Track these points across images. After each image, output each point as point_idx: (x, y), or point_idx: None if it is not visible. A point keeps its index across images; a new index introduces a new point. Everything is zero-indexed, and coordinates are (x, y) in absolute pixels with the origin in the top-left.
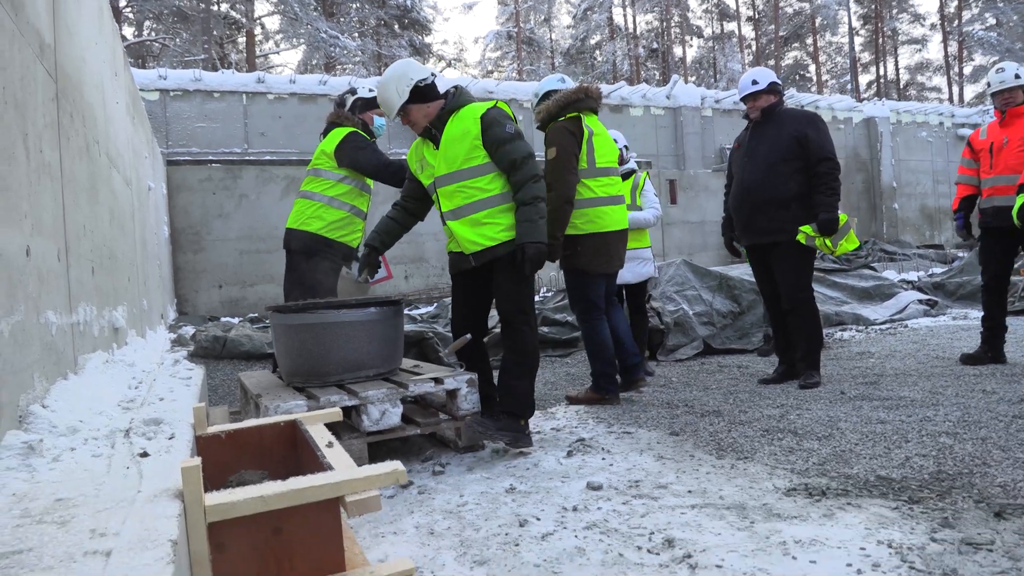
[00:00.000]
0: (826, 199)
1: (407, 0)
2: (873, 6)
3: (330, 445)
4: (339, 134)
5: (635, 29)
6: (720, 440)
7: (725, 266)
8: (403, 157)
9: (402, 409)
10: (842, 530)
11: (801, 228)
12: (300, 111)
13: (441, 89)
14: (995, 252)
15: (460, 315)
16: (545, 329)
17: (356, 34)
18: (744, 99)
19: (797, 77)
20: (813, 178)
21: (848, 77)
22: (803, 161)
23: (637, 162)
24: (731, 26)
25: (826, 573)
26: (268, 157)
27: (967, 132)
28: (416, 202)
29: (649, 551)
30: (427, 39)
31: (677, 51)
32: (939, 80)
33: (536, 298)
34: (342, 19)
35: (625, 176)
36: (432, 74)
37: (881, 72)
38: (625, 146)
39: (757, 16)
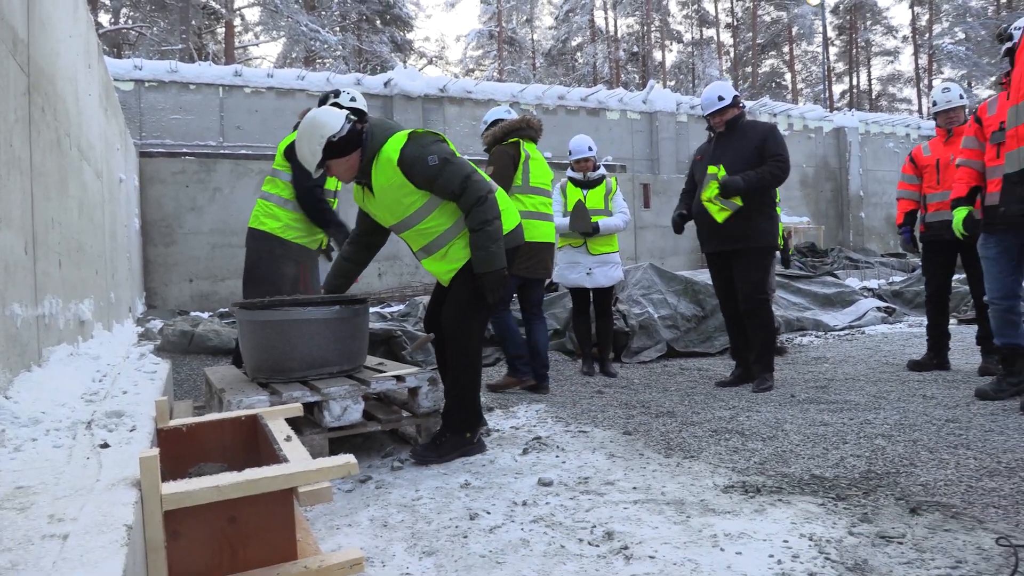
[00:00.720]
0: (752, 174)
1: None
2: (848, 17)
3: (288, 439)
4: (293, 137)
5: (616, 32)
6: (670, 440)
7: (692, 271)
8: (324, 199)
9: (364, 406)
10: (770, 524)
11: (719, 174)
12: (277, 105)
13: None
14: (937, 265)
15: (431, 313)
16: None
17: (337, 28)
18: (710, 115)
19: (773, 85)
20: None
21: (822, 86)
22: None
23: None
24: (710, 32)
25: (749, 563)
26: (243, 151)
27: None
28: (371, 236)
29: (590, 543)
30: (409, 35)
31: (657, 55)
32: (910, 92)
33: None
34: (323, 13)
35: (597, 182)
36: (348, 119)
37: (854, 82)
38: (589, 147)
39: (735, 23)
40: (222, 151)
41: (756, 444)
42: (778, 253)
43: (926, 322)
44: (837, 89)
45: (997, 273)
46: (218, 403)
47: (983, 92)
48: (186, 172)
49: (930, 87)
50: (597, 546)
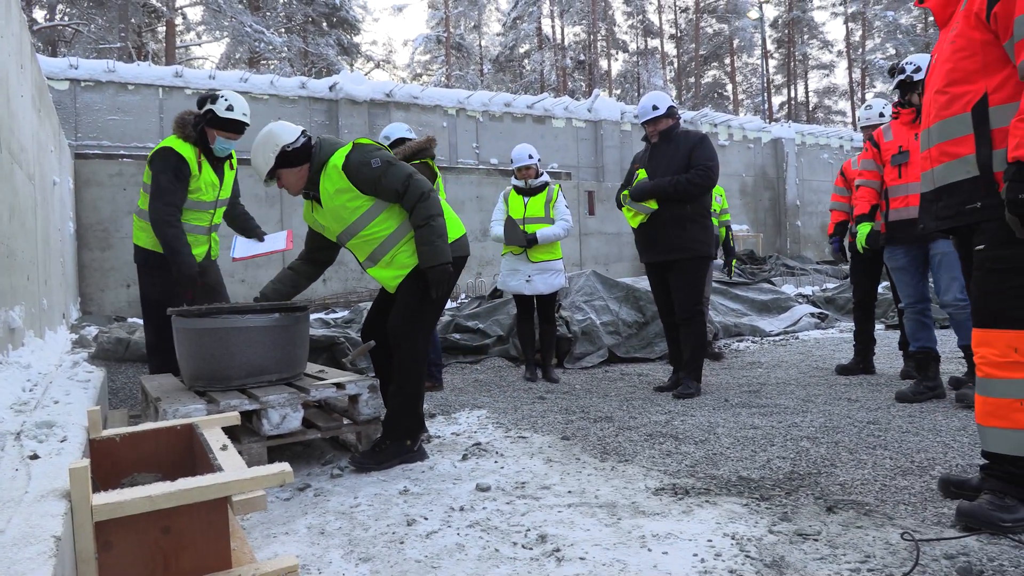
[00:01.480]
0: (673, 180)
1: None
2: (786, 31)
3: (224, 448)
4: (158, 146)
5: (563, 40)
6: (606, 444)
7: (635, 278)
8: (175, 221)
9: (303, 413)
10: (696, 525)
11: (639, 173)
12: None
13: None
14: (863, 273)
15: (371, 320)
16: (456, 336)
17: (283, 30)
18: (645, 123)
19: (715, 95)
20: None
21: (762, 97)
22: None
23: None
24: (655, 43)
25: (674, 562)
26: None
27: None
28: (320, 252)
29: (523, 546)
30: (356, 39)
31: (603, 64)
32: (844, 104)
33: (452, 305)
34: (268, 14)
35: (539, 189)
36: (303, 133)
37: (792, 94)
38: (530, 155)
39: (679, 34)
40: None
41: (688, 447)
42: (720, 262)
43: (854, 328)
44: (776, 100)
45: (908, 280)
46: (154, 412)
47: None
48: (124, 175)
49: (863, 100)
50: (530, 549)
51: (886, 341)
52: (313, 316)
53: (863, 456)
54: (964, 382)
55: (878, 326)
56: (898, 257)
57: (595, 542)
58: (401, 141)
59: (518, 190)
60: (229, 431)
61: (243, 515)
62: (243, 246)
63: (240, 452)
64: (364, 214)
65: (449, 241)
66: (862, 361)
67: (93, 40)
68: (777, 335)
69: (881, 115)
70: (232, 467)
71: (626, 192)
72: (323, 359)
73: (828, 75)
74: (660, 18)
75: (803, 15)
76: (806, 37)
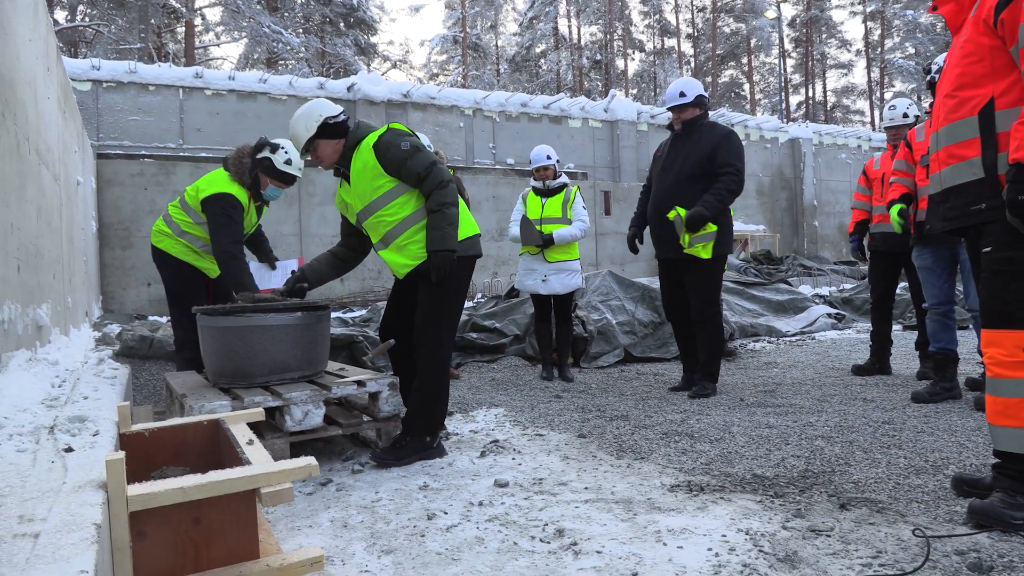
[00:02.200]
0: (710, 198)
1: None
2: (804, 30)
3: (251, 443)
4: (218, 186)
5: (579, 40)
6: (623, 442)
7: (651, 278)
8: (239, 253)
9: (325, 410)
10: (711, 520)
11: (677, 208)
12: (238, 108)
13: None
14: (882, 273)
15: (388, 320)
16: (473, 335)
17: (300, 30)
18: (671, 109)
19: (732, 95)
20: (714, 181)
21: (779, 97)
22: (713, 180)
23: (572, 173)
24: (671, 42)
25: (689, 556)
26: (204, 154)
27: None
28: (351, 237)
29: (541, 540)
30: (372, 39)
31: (620, 64)
32: (863, 104)
33: (469, 304)
34: (286, 14)
35: (557, 190)
36: (343, 114)
37: (810, 94)
38: (548, 155)
39: (696, 34)
40: (182, 153)
41: (704, 446)
42: (736, 261)
43: (871, 328)
44: (794, 100)
45: (934, 281)
46: (179, 408)
47: None
48: (145, 174)
49: (882, 100)
50: (548, 543)
51: (903, 342)
52: (332, 315)
53: (877, 455)
54: (981, 384)
55: (895, 327)
56: (925, 257)
57: (611, 536)
58: None
59: (536, 191)
60: (252, 427)
61: (270, 507)
62: (256, 276)
63: (264, 447)
64: (385, 194)
65: (461, 238)
66: (878, 361)
67: (113, 41)
68: (794, 335)
69: (905, 115)
70: (259, 460)
71: (686, 235)
72: (342, 357)
73: (846, 74)
74: (677, 17)
75: (821, 14)
76: (824, 36)
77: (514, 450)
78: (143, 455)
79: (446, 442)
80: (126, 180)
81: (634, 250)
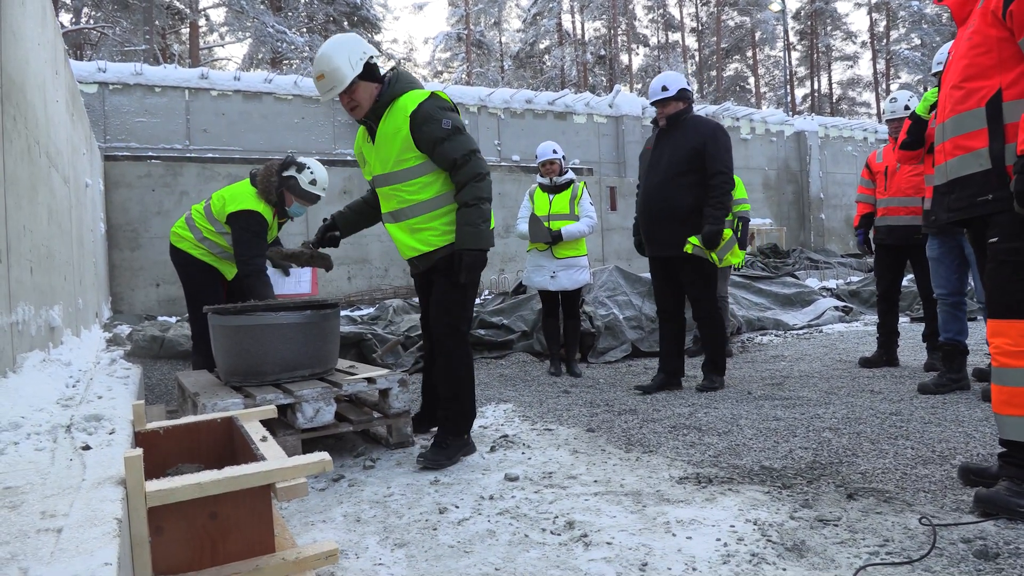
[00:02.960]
0: (712, 212)
1: None
2: (809, 23)
3: (264, 439)
4: (245, 202)
5: (583, 35)
6: (631, 436)
7: None
8: (262, 266)
9: (336, 407)
10: (719, 511)
11: (690, 239)
12: (244, 109)
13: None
14: (887, 266)
15: (426, 321)
16: (481, 332)
17: (304, 30)
18: (654, 104)
19: (737, 89)
20: (706, 190)
21: (785, 90)
22: (701, 175)
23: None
24: (675, 36)
25: (698, 546)
26: (210, 154)
27: None
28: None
29: (552, 532)
30: (377, 37)
31: (624, 59)
32: (869, 96)
33: (476, 301)
34: (290, 14)
35: (564, 187)
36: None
37: (816, 86)
38: (554, 150)
39: (700, 28)
40: (188, 154)
41: (712, 438)
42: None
43: (878, 320)
44: (799, 93)
45: (943, 272)
46: (192, 407)
47: None
48: (152, 176)
49: (888, 91)
50: (559, 535)
51: (910, 334)
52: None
53: (884, 446)
54: (989, 374)
55: (902, 319)
56: (934, 247)
57: (621, 528)
58: None
59: (543, 187)
60: (264, 425)
61: (284, 502)
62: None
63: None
64: (409, 168)
65: None
66: (885, 353)
67: (118, 43)
68: (801, 328)
69: (907, 107)
70: (274, 456)
71: (713, 255)
72: (352, 355)
73: (852, 66)
74: (681, 11)
75: (826, 6)
76: (829, 28)
77: (524, 445)
78: (158, 453)
79: None
80: (133, 182)
81: (643, 253)
